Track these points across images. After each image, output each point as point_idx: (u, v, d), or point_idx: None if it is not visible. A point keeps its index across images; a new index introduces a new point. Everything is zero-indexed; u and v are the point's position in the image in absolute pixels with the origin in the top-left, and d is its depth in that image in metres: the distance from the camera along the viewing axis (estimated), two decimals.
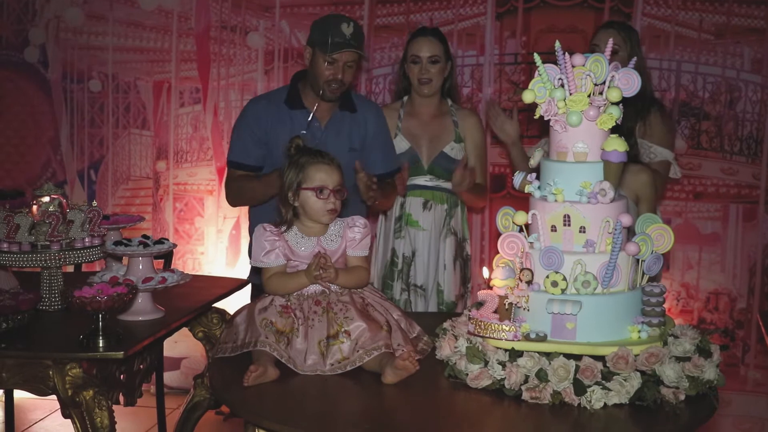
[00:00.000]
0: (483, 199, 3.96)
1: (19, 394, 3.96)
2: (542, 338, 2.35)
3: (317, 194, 2.64)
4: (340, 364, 2.49)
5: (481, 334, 2.40)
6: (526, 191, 2.53)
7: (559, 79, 2.44)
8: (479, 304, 2.46)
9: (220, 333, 3.38)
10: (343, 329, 2.53)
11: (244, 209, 4.22)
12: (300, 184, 2.65)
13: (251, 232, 3.73)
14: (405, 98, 3.84)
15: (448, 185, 3.73)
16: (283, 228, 2.68)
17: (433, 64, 3.71)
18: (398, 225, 3.77)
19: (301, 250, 2.66)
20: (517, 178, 2.55)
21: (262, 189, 3.38)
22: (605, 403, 2.25)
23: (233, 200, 3.64)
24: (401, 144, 3.74)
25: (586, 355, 2.30)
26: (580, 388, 2.25)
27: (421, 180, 3.75)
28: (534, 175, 2.53)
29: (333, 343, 2.51)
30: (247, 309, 2.65)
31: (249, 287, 3.64)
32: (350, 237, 2.70)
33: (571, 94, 2.42)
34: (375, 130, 3.57)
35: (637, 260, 2.44)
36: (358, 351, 2.49)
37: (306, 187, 2.65)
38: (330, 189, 2.65)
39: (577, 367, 2.27)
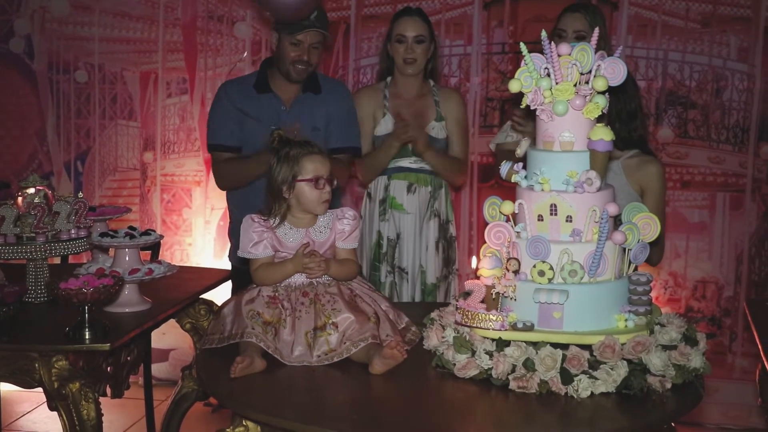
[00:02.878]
0: (459, 175, 3.91)
1: (5, 387, 3.95)
2: (529, 328, 2.35)
3: (314, 185, 2.63)
4: (327, 356, 2.49)
5: (468, 324, 2.40)
6: (512, 180, 2.52)
7: (546, 68, 2.44)
8: (466, 294, 2.46)
9: (208, 324, 3.39)
10: (330, 321, 2.52)
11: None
12: (295, 177, 2.63)
13: (231, 218, 3.82)
14: (388, 79, 3.84)
15: None
16: (275, 221, 2.67)
17: (418, 44, 3.72)
18: (382, 207, 3.77)
19: (290, 242, 2.65)
20: (504, 168, 2.55)
21: (254, 168, 3.43)
22: (592, 392, 2.25)
23: (223, 183, 3.73)
24: (389, 123, 3.75)
25: (572, 344, 2.30)
26: (567, 377, 2.26)
27: (406, 162, 3.75)
28: (520, 164, 2.53)
29: (320, 335, 2.51)
30: (234, 300, 2.64)
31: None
32: (339, 229, 2.70)
33: (557, 83, 2.42)
34: (337, 107, 3.67)
35: (624, 249, 2.44)
36: (345, 343, 2.49)
37: (302, 179, 2.63)
38: (325, 179, 2.64)
39: (564, 357, 2.28)
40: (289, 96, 3.63)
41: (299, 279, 2.63)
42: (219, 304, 3.47)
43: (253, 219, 2.67)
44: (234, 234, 3.74)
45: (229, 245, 3.89)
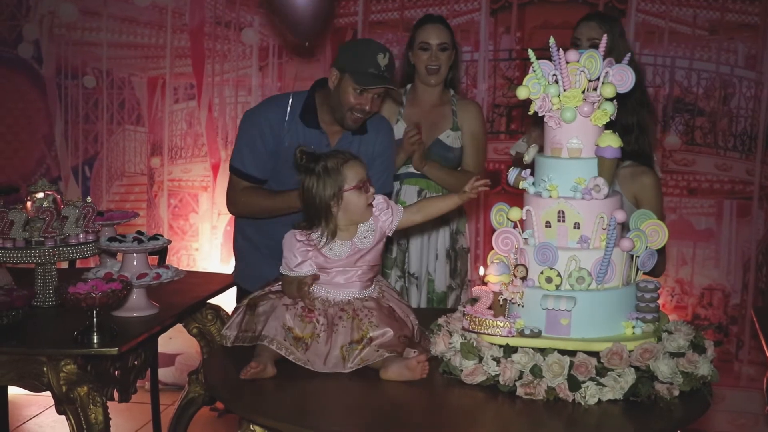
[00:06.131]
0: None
1: (13, 390, 3.94)
2: (537, 334, 2.35)
3: (362, 189, 2.57)
4: (354, 362, 2.46)
5: (475, 330, 2.40)
6: (520, 187, 2.53)
7: (554, 75, 2.44)
8: (474, 300, 2.46)
9: (215, 329, 3.39)
10: (368, 335, 2.49)
11: None
12: (341, 188, 2.56)
13: (235, 241, 3.53)
14: (408, 86, 3.82)
15: None
16: (323, 241, 2.58)
17: (442, 52, 3.69)
18: None
19: (336, 256, 2.59)
20: (512, 174, 2.55)
21: (283, 207, 3.12)
22: (599, 399, 2.25)
23: (239, 211, 3.38)
24: (401, 130, 3.72)
25: (580, 351, 2.30)
26: (574, 384, 2.26)
27: None
28: (528, 171, 2.53)
29: (355, 348, 2.48)
30: (272, 302, 2.58)
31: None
32: (383, 219, 2.64)
33: (565, 90, 2.42)
34: (380, 150, 3.38)
35: (632, 256, 2.44)
36: (378, 350, 2.46)
37: (349, 188, 2.56)
38: (368, 181, 2.61)
39: (572, 363, 2.27)
40: (333, 132, 3.29)
41: (338, 296, 2.59)
42: (226, 309, 3.47)
43: (297, 237, 2.59)
44: (239, 253, 3.51)
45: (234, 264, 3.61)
